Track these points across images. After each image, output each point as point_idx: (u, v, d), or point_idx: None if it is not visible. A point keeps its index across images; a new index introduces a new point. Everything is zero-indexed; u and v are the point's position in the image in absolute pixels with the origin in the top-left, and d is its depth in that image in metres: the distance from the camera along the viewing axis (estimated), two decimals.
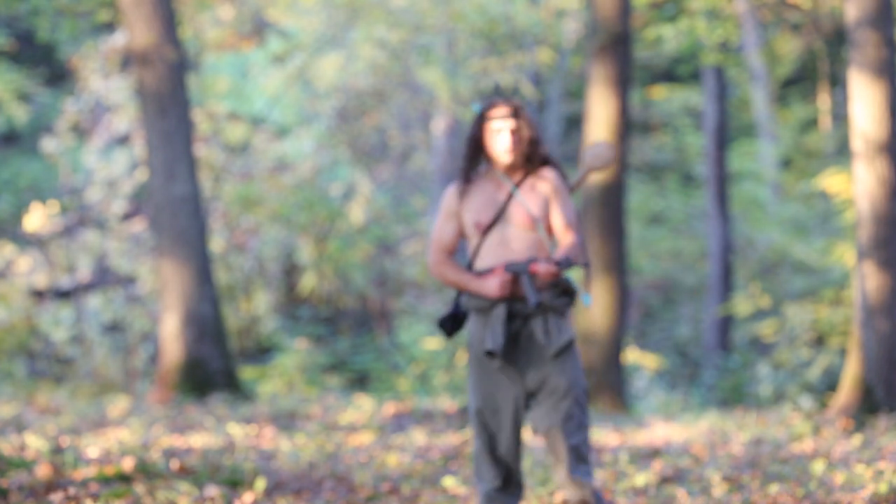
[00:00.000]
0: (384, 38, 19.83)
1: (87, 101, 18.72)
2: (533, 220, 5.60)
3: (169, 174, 13.29)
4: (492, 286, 5.58)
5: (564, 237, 5.64)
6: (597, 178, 13.97)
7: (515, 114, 5.64)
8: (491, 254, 5.63)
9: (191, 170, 13.39)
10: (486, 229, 5.63)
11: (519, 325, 5.63)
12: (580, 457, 5.59)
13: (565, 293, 5.67)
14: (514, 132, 5.61)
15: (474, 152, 5.69)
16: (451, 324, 5.79)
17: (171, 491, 7.31)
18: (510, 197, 5.64)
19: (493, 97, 5.68)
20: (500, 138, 5.62)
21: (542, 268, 5.51)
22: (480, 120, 5.67)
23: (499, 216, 5.63)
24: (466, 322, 5.78)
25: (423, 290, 20.42)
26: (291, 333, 19.15)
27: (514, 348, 5.64)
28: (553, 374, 5.60)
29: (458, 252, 5.97)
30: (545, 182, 5.66)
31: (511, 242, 5.62)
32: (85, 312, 17.42)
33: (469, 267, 5.71)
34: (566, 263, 5.49)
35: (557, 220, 5.64)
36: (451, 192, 5.73)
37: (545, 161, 5.72)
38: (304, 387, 16.81)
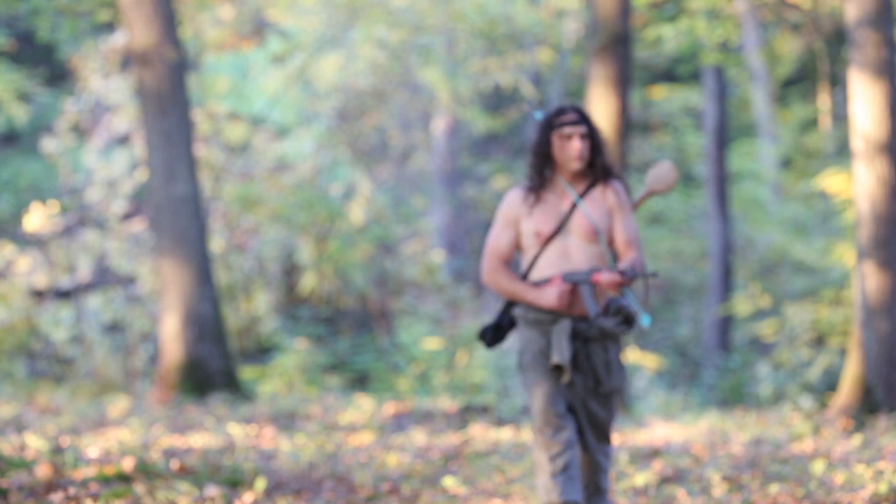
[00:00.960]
0: (384, 38, 19.83)
1: (87, 101, 18.72)
2: (596, 232, 5.47)
3: (169, 174, 13.28)
4: (550, 296, 5.45)
5: (626, 252, 5.51)
6: None
7: (585, 120, 5.52)
8: (550, 265, 5.50)
9: (191, 170, 13.39)
10: (548, 239, 5.50)
11: (578, 346, 5.53)
12: (599, 490, 5.68)
13: (626, 321, 5.55)
14: (585, 138, 5.49)
15: (542, 160, 5.53)
16: (494, 334, 5.66)
17: (171, 491, 7.31)
18: (574, 207, 5.50)
19: (560, 105, 5.61)
20: (571, 145, 5.48)
21: (606, 276, 5.38)
22: (548, 127, 5.52)
23: (561, 226, 5.49)
24: (509, 334, 5.68)
25: (423, 290, 20.42)
26: (291, 333, 19.14)
27: (572, 368, 5.55)
28: (601, 409, 5.58)
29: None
30: (610, 194, 5.53)
31: (572, 254, 5.50)
32: (85, 312, 17.42)
33: (523, 278, 5.57)
34: (631, 273, 5.34)
35: (619, 235, 5.52)
36: (511, 198, 5.59)
37: (609, 172, 5.58)
38: (304, 387, 16.81)
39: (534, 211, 5.49)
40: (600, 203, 5.50)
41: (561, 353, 5.44)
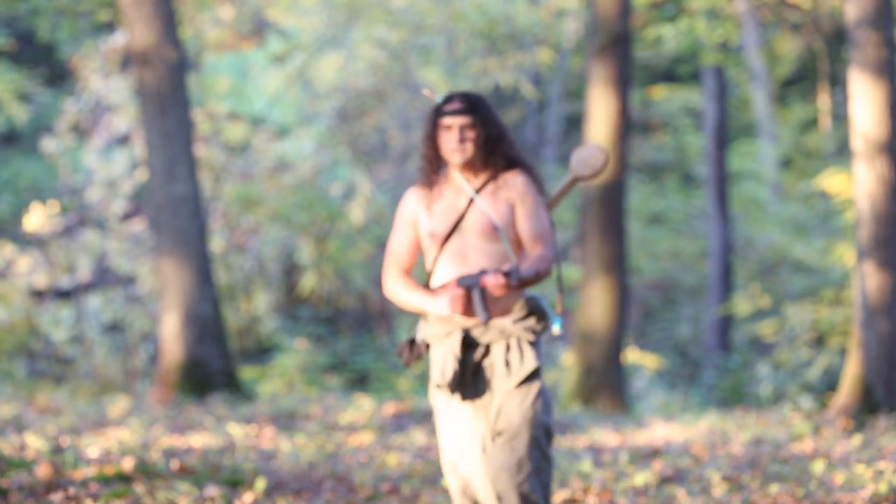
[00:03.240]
0: (384, 38, 19.82)
1: (87, 101, 18.72)
2: (495, 228, 4.91)
3: (169, 174, 13.28)
4: (442, 304, 4.90)
5: (532, 249, 4.93)
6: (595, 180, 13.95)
7: (470, 109, 4.93)
8: (448, 268, 4.95)
9: (191, 170, 13.39)
10: (444, 240, 4.95)
11: (481, 353, 4.96)
12: None
13: (532, 314, 4.97)
14: (465, 129, 4.91)
15: (431, 153, 4.99)
16: (410, 351, 5.04)
17: (171, 491, 7.31)
18: (470, 203, 4.95)
19: (450, 92, 5.04)
20: (449, 136, 4.94)
21: (490, 279, 4.79)
22: (434, 116, 4.99)
23: (457, 225, 4.94)
24: (428, 351, 5.07)
25: None
26: (291, 333, 19.14)
27: (476, 381, 4.96)
28: (508, 409, 4.91)
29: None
30: (510, 186, 4.95)
31: (470, 255, 4.94)
32: (85, 312, 17.42)
33: (427, 284, 5.04)
34: (518, 275, 4.75)
35: (525, 230, 4.94)
36: (407, 198, 5.05)
37: (512, 163, 5.00)
38: (304, 387, 16.81)
39: (429, 210, 4.98)
40: (501, 196, 4.94)
41: (444, 370, 4.91)
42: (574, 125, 24.27)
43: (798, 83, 26.02)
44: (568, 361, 15.24)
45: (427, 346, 5.03)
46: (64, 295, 17.65)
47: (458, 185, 4.99)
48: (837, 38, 22.39)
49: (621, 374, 14.03)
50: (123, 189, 17.99)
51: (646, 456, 9.14)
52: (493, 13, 19.58)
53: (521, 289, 4.90)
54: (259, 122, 19.58)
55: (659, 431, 11.02)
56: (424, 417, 11.75)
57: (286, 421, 11.43)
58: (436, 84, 20.68)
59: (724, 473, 8.09)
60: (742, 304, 18.71)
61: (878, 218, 10.38)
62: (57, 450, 8.56)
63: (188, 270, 13.24)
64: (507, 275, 4.76)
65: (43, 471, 7.53)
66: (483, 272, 4.84)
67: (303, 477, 8.23)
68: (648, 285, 23.82)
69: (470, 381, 4.95)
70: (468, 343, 4.95)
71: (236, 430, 10.41)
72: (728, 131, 21.68)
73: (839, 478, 7.66)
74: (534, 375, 4.93)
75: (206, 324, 13.25)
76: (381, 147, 21.99)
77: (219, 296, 13.93)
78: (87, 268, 17.73)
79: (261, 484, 7.62)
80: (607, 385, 13.80)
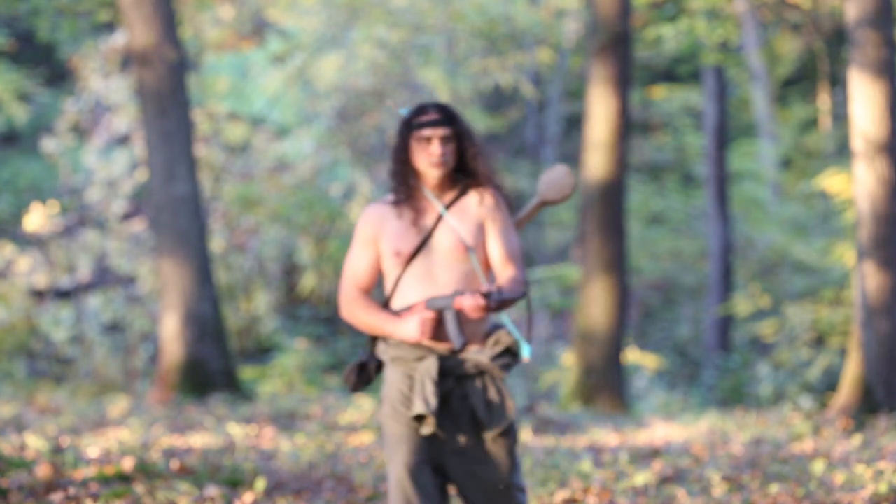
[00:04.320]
0: (384, 38, 19.83)
1: (87, 101, 18.73)
2: (465, 248, 4.61)
3: (169, 174, 13.28)
4: (410, 327, 4.57)
5: (503, 271, 4.64)
6: (595, 178, 13.95)
7: (447, 120, 4.66)
8: (413, 289, 4.62)
9: (191, 170, 13.39)
10: (409, 259, 4.62)
11: (451, 384, 4.62)
12: None
13: (509, 351, 4.65)
14: (445, 141, 4.64)
15: (402, 167, 4.67)
16: (358, 376, 4.76)
17: (171, 491, 7.31)
18: (439, 220, 4.64)
19: (421, 103, 4.75)
20: (428, 149, 4.64)
21: (467, 301, 4.48)
22: (406, 128, 4.67)
23: (424, 243, 4.62)
24: (377, 374, 4.78)
25: None
26: (291, 333, 19.14)
27: (443, 412, 4.62)
28: (487, 463, 4.60)
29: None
30: (481, 204, 4.67)
31: (437, 275, 4.62)
32: (85, 312, 17.42)
33: (386, 306, 4.72)
34: (497, 296, 4.46)
35: (495, 250, 4.66)
36: (368, 214, 4.71)
37: (485, 179, 4.72)
38: (304, 387, 16.81)
39: (393, 227, 4.64)
40: (471, 214, 4.65)
41: (425, 400, 4.55)
42: (574, 125, 24.27)
43: (798, 83, 26.03)
44: (568, 361, 15.25)
45: (378, 369, 4.75)
46: (64, 295, 17.65)
47: (425, 201, 4.67)
48: (837, 38, 22.39)
49: (621, 374, 14.03)
50: (123, 189, 18.00)
51: (646, 456, 9.14)
52: (493, 13, 19.59)
53: (496, 312, 4.59)
54: (259, 122, 19.59)
55: (659, 431, 11.03)
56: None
57: (286, 421, 11.43)
58: (436, 84, 20.68)
59: (724, 473, 8.09)
60: (742, 304, 18.71)
61: (878, 218, 10.38)
62: (57, 450, 8.56)
63: (188, 270, 13.25)
64: (486, 296, 4.46)
65: (43, 471, 7.53)
66: (457, 293, 4.52)
67: (303, 477, 8.23)
68: (648, 285, 23.82)
69: (440, 412, 4.62)
70: (440, 372, 4.60)
71: (236, 430, 10.41)
72: (728, 131, 21.69)
73: (839, 478, 7.66)
74: (512, 425, 4.64)
75: (206, 324, 13.25)
76: (381, 147, 21.99)
77: (219, 296, 13.94)
78: (87, 268, 17.73)
79: (261, 484, 7.63)
80: (607, 385, 13.80)
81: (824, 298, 17.44)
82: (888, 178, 10.37)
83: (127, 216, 18.08)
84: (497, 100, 25.30)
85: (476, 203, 4.68)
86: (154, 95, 13.31)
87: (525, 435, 10.48)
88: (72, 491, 7.15)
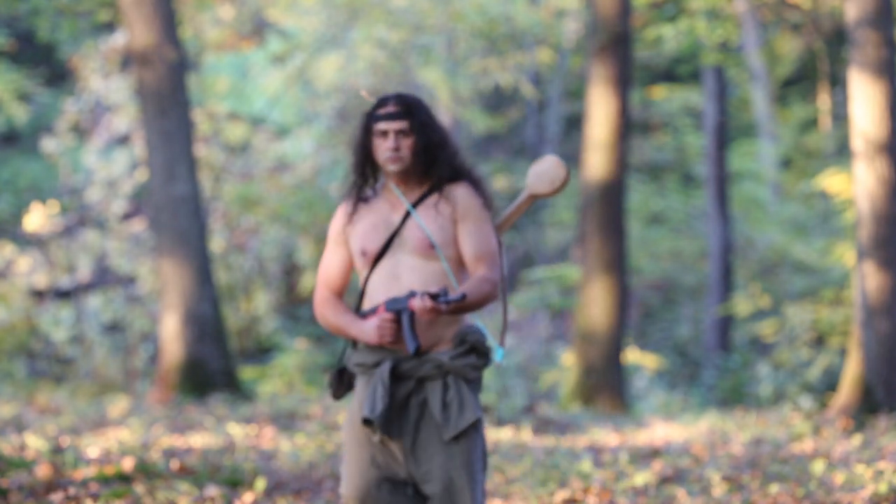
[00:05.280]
0: (384, 38, 19.83)
1: (87, 101, 18.73)
2: (431, 246, 4.40)
3: (169, 174, 13.28)
4: (370, 330, 4.38)
5: (475, 270, 4.42)
6: (595, 178, 13.95)
7: (406, 112, 4.45)
8: (379, 289, 4.43)
9: (191, 170, 13.39)
10: (376, 258, 4.45)
11: (411, 387, 4.41)
12: None
13: (475, 350, 4.43)
14: (401, 135, 4.44)
15: (363, 162, 4.51)
16: (338, 382, 4.55)
17: (171, 491, 7.31)
18: (406, 217, 4.45)
19: (384, 94, 4.57)
20: (385, 143, 4.45)
21: (418, 303, 4.28)
22: (367, 121, 4.52)
23: (391, 242, 4.44)
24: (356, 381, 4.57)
25: None
26: (291, 333, 19.14)
27: (402, 419, 4.42)
28: (446, 466, 4.36)
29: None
30: (452, 199, 4.45)
31: (403, 275, 4.42)
32: (85, 312, 17.42)
33: (358, 308, 4.53)
34: (449, 299, 4.24)
35: (467, 248, 4.43)
36: (338, 213, 4.59)
37: (456, 174, 4.51)
38: (304, 387, 16.81)
39: (361, 224, 4.49)
40: (442, 210, 4.44)
41: (373, 403, 4.34)
42: (574, 125, 24.27)
43: (798, 83, 26.03)
44: (568, 361, 15.25)
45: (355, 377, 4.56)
46: (64, 295, 17.65)
47: (394, 197, 4.49)
48: (837, 38, 22.39)
49: (621, 374, 14.03)
50: (123, 189, 18.00)
51: (646, 456, 9.14)
52: (493, 13, 19.59)
53: (458, 314, 4.37)
54: (259, 122, 19.59)
55: (659, 431, 11.03)
56: None
57: (286, 421, 11.43)
58: (436, 84, 20.68)
59: (724, 473, 8.09)
60: (742, 304, 18.71)
61: (878, 218, 10.39)
62: (57, 450, 8.56)
63: (188, 270, 13.25)
64: (434, 297, 4.26)
65: (43, 471, 7.53)
66: (412, 294, 4.34)
67: (303, 477, 8.23)
68: (648, 285, 23.82)
69: (395, 419, 4.40)
70: (398, 375, 4.40)
71: (236, 430, 10.41)
72: (728, 131, 21.69)
73: (839, 478, 7.66)
74: (475, 425, 4.39)
75: (206, 324, 13.25)
76: None
77: (219, 296, 13.94)
78: (87, 268, 17.73)
79: (261, 484, 7.63)
80: (607, 385, 13.80)
81: (824, 298, 17.44)
82: (888, 178, 10.38)
83: (127, 216, 18.08)
84: (497, 100, 25.30)
85: (447, 199, 4.47)
86: (154, 95, 13.31)
87: (525, 435, 10.48)
88: (72, 491, 7.15)
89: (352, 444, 4.45)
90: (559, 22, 22.38)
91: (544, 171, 4.70)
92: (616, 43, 13.89)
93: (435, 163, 4.47)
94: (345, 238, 4.54)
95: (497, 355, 4.46)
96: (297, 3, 20.07)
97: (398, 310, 4.36)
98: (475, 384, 4.44)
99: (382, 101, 4.50)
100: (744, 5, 21.29)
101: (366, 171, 4.52)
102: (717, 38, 16.09)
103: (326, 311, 4.52)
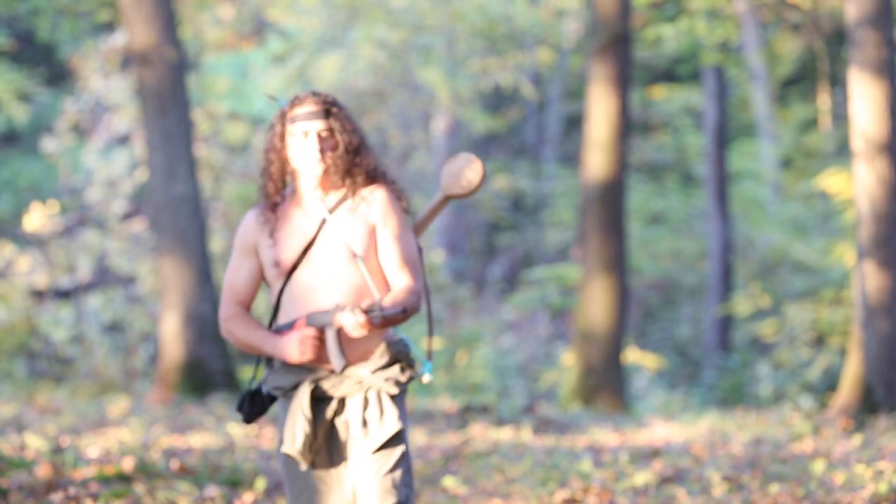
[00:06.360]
0: (384, 38, 19.83)
1: (87, 101, 18.73)
2: (352, 255, 4.15)
3: (169, 174, 13.28)
4: (290, 347, 4.11)
5: (397, 279, 4.19)
6: (595, 178, 13.95)
7: (326, 113, 4.21)
8: (296, 303, 4.17)
9: (191, 170, 13.39)
10: (291, 269, 4.18)
11: (336, 408, 4.19)
12: None
13: (397, 364, 4.21)
14: (324, 136, 4.20)
15: (278, 165, 4.24)
16: (250, 406, 4.28)
17: (171, 491, 7.31)
18: (322, 225, 4.19)
19: (298, 94, 4.32)
20: (305, 145, 4.19)
21: (346, 319, 4.01)
22: (281, 122, 4.26)
23: (306, 251, 4.18)
24: (272, 403, 4.32)
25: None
26: None
27: (330, 444, 4.21)
28: (365, 481, 4.15)
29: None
30: (370, 204, 4.20)
31: (321, 287, 4.15)
32: (85, 312, 17.42)
33: (271, 322, 4.26)
34: (381, 313, 4.00)
35: (388, 257, 4.19)
36: (246, 221, 4.28)
37: (373, 177, 4.26)
38: None
39: (273, 235, 4.20)
40: (360, 217, 4.19)
41: (293, 435, 4.13)
42: (574, 125, 24.27)
43: (798, 83, 26.03)
44: (568, 361, 15.25)
45: (272, 399, 4.30)
46: (64, 295, 17.65)
47: (308, 204, 4.22)
48: (837, 38, 22.39)
49: (621, 374, 14.03)
50: (123, 189, 18.00)
51: (646, 456, 9.14)
52: (493, 13, 19.60)
53: (383, 328, 4.14)
54: (259, 122, 19.59)
55: (659, 431, 11.03)
56: (424, 417, 11.76)
57: None
58: (436, 84, 20.68)
59: (724, 473, 8.09)
60: (742, 304, 18.72)
61: (878, 218, 10.39)
62: (57, 450, 8.56)
63: (188, 270, 13.24)
64: (367, 312, 4.01)
65: (43, 471, 7.53)
66: (338, 308, 4.06)
67: None
68: (648, 285, 23.83)
69: (323, 444, 4.19)
70: (318, 397, 4.17)
71: (236, 430, 10.41)
72: (728, 131, 21.69)
73: (839, 478, 7.66)
74: (396, 438, 4.18)
75: (206, 324, 13.25)
76: (381, 147, 21.99)
77: (219, 296, 13.93)
78: (87, 268, 17.74)
79: (261, 484, 7.63)
80: (607, 385, 13.80)
81: (824, 298, 17.45)
82: (888, 178, 10.38)
83: (127, 216, 18.08)
84: (497, 100, 25.31)
85: (364, 204, 4.21)
86: (154, 95, 13.31)
87: (525, 435, 10.48)
88: (72, 491, 7.15)
89: (287, 474, 4.26)
90: (559, 22, 22.38)
91: (458, 170, 4.39)
92: (616, 43, 13.89)
93: (355, 166, 4.22)
94: (254, 248, 4.24)
95: (425, 369, 4.23)
96: (297, 3, 20.07)
97: (322, 325, 4.09)
98: (399, 396, 4.22)
99: (298, 101, 4.26)
100: (744, 5, 21.29)
101: (280, 177, 4.25)
102: (717, 38, 16.10)
103: (235, 326, 4.22)
